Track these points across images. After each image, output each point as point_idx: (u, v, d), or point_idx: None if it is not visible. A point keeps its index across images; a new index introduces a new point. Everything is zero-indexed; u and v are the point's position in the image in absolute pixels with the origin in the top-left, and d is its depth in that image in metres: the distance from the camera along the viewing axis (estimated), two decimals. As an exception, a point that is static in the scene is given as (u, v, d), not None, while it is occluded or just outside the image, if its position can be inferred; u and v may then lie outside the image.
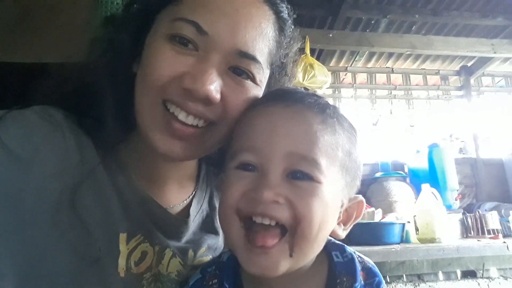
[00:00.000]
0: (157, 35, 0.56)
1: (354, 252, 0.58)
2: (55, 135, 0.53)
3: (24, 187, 0.48)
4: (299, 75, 2.56)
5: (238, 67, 0.56)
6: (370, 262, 0.58)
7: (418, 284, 2.33)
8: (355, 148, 0.55)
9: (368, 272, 0.56)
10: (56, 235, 0.50)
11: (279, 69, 0.65)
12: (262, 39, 0.57)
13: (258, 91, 0.60)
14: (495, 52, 3.07)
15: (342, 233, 0.55)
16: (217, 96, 0.53)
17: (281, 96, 0.54)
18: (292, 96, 0.53)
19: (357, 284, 0.53)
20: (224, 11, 0.54)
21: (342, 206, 0.54)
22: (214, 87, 0.52)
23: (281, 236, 0.47)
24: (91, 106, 0.58)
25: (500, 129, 3.68)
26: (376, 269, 0.57)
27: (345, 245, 0.59)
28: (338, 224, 0.55)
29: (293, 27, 0.65)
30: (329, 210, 0.49)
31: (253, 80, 0.58)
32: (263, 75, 0.59)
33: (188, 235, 0.67)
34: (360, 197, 0.57)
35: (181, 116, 0.54)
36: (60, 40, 2.00)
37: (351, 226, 0.57)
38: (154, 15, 0.58)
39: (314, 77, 2.59)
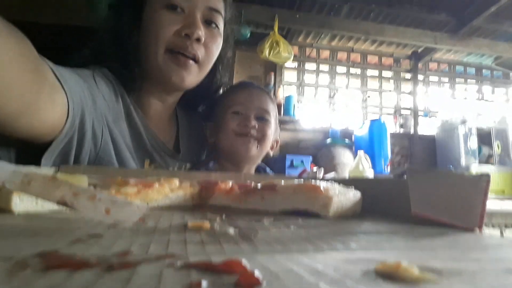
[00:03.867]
0: (154, 7, 0.77)
1: (266, 167, 1.07)
2: (112, 83, 0.80)
3: (108, 105, 0.73)
4: (266, 51, 2.97)
5: (210, 20, 0.81)
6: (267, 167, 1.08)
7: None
8: (277, 119, 1.04)
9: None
10: (120, 138, 0.77)
11: (228, 24, 0.95)
12: (219, 1, 0.83)
13: (220, 37, 0.86)
14: (436, 43, 3.57)
15: (271, 154, 1.05)
16: (203, 37, 0.78)
17: (249, 84, 1.03)
18: (254, 85, 1.03)
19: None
20: None
21: (272, 140, 1.02)
22: (201, 31, 0.77)
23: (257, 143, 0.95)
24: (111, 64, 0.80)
25: (437, 108, 4.27)
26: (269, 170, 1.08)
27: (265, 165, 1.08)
28: (270, 149, 1.03)
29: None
30: (271, 136, 0.99)
31: (218, 28, 0.84)
32: (222, 25, 0.86)
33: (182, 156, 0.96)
34: (279, 139, 1.08)
35: (184, 53, 0.78)
36: (60, 2, 2.30)
37: (274, 152, 1.07)
38: None
39: (278, 53, 3.01)
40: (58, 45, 2.19)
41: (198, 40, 0.78)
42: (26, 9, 2.29)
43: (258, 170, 1.03)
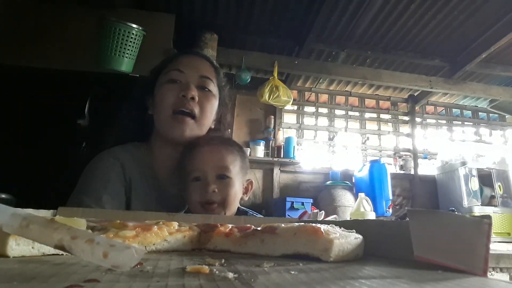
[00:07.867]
0: (161, 83, 1.03)
1: (248, 210, 1.06)
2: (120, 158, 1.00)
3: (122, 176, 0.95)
4: (266, 95, 3.04)
5: (202, 85, 1.03)
6: (252, 211, 1.07)
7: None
8: (245, 159, 1.04)
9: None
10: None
11: (222, 90, 1.13)
12: (208, 70, 1.06)
13: (214, 98, 1.06)
14: (431, 88, 3.66)
15: (246, 198, 1.03)
16: (196, 96, 1.00)
17: (213, 140, 1.02)
18: (217, 140, 1.02)
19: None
20: (189, 61, 1.05)
21: (242, 185, 1.01)
22: (195, 92, 1.00)
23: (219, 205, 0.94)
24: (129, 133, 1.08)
25: (436, 150, 4.28)
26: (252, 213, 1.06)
27: (247, 209, 1.07)
28: (243, 194, 1.02)
29: (222, 71, 1.15)
30: (237, 190, 0.97)
31: (210, 91, 1.05)
32: (215, 88, 1.06)
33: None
34: (251, 179, 1.05)
35: (183, 110, 1.01)
36: (67, 49, 2.40)
37: (249, 194, 1.05)
38: (159, 75, 1.06)
39: (278, 97, 3.08)
40: (65, 88, 2.25)
41: (192, 98, 0.99)
42: (35, 56, 2.38)
43: (238, 213, 1.02)
